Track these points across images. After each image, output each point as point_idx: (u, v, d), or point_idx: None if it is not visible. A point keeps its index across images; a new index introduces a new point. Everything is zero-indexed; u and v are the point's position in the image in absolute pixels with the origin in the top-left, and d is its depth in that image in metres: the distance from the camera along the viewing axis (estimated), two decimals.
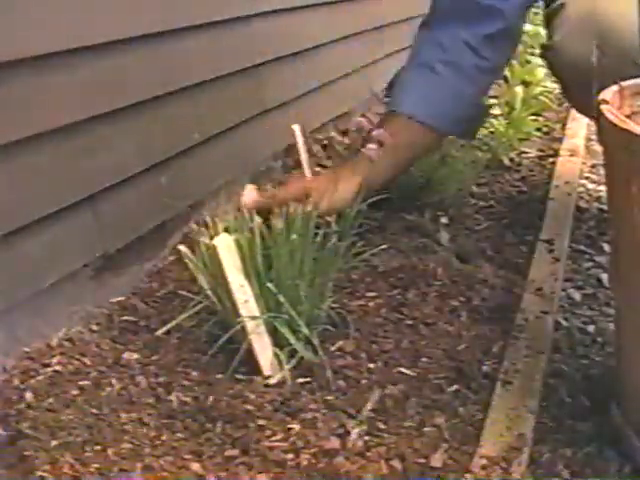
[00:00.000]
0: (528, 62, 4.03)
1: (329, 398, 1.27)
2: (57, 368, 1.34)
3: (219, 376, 1.32)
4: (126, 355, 1.39)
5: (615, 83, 1.15)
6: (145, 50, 1.71)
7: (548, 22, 1.85)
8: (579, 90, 1.74)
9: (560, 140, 2.90)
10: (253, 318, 1.31)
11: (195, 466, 1.11)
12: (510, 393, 1.27)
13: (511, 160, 2.65)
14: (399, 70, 1.95)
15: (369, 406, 1.25)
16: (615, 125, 1.02)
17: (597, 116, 1.10)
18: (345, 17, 2.97)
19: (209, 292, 1.41)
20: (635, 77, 1.20)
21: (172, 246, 1.82)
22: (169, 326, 1.41)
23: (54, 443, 1.14)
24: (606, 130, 1.07)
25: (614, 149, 1.07)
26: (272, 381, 1.31)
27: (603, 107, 1.08)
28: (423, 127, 1.78)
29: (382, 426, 1.21)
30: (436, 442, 1.17)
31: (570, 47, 1.69)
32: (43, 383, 1.30)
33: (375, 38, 3.28)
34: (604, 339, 1.52)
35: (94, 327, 1.49)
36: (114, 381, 1.31)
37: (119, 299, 1.60)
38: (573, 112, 3.29)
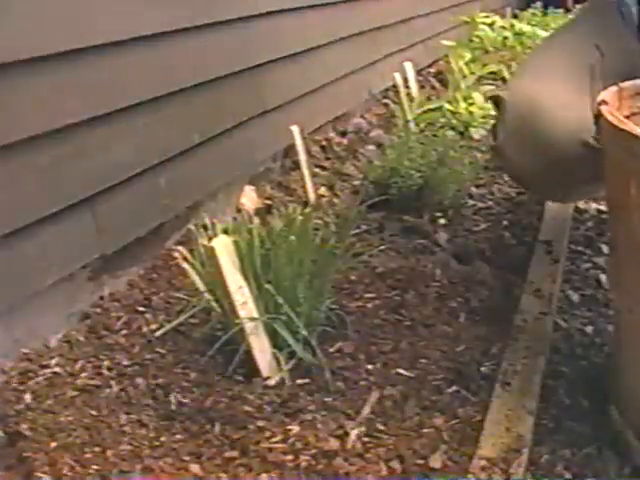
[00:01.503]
0: None
1: (328, 399, 1.27)
2: (56, 370, 1.34)
3: (218, 377, 1.33)
4: (125, 356, 1.39)
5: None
6: (144, 51, 1.70)
7: (495, 107, 1.81)
8: (530, 184, 1.79)
9: None
10: (252, 319, 1.31)
11: (194, 467, 1.11)
12: (509, 394, 1.27)
13: None
14: None
15: (368, 407, 1.25)
16: (614, 126, 1.02)
17: (596, 117, 1.10)
18: (344, 19, 2.97)
19: (207, 294, 1.41)
20: None
21: (170, 248, 1.82)
22: (168, 327, 1.41)
23: (53, 444, 1.14)
24: (605, 131, 1.07)
25: (613, 149, 1.07)
26: (271, 382, 1.31)
27: (602, 108, 1.08)
28: None
29: (381, 427, 1.21)
30: (435, 443, 1.17)
31: (511, 150, 1.68)
32: (42, 385, 1.30)
33: (373, 39, 3.28)
34: (603, 340, 1.52)
35: (92, 328, 1.49)
36: (113, 382, 1.31)
37: (117, 300, 1.60)
38: None
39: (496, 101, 1.73)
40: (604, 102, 1.10)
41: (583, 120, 1.37)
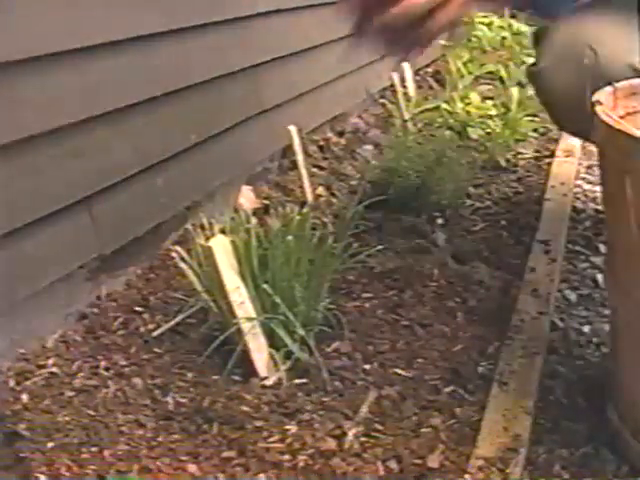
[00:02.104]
0: (524, 62, 4.03)
1: (325, 399, 1.27)
2: (53, 370, 1.35)
3: (215, 377, 1.33)
4: (122, 357, 1.39)
5: None
6: (141, 52, 1.71)
7: (535, 43, 1.84)
8: (565, 115, 1.76)
9: (556, 141, 2.91)
10: (249, 319, 1.31)
11: (192, 467, 1.12)
12: (506, 394, 1.27)
13: (507, 161, 2.65)
14: None
15: (365, 407, 1.25)
16: (609, 126, 1.02)
17: (591, 117, 1.10)
18: (342, 18, 2.97)
19: (205, 294, 1.41)
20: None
21: (168, 248, 1.82)
22: (165, 327, 1.42)
23: (50, 444, 1.15)
24: (600, 131, 1.07)
25: (609, 150, 1.08)
26: (268, 382, 1.31)
27: (597, 108, 1.08)
28: None
29: (378, 427, 1.21)
30: (433, 443, 1.17)
31: (555, 75, 1.69)
32: (39, 384, 1.30)
33: None
34: (600, 340, 1.52)
35: (90, 329, 1.49)
36: (110, 382, 1.31)
37: (115, 300, 1.60)
38: None
39: (537, 36, 1.74)
40: (599, 102, 1.10)
41: (631, 47, 1.37)
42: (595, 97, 1.13)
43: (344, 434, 1.18)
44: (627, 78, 1.41)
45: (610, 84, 1.17)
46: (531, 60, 1.82)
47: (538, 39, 1.78)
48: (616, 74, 1.52)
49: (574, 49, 1.61)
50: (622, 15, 1.54)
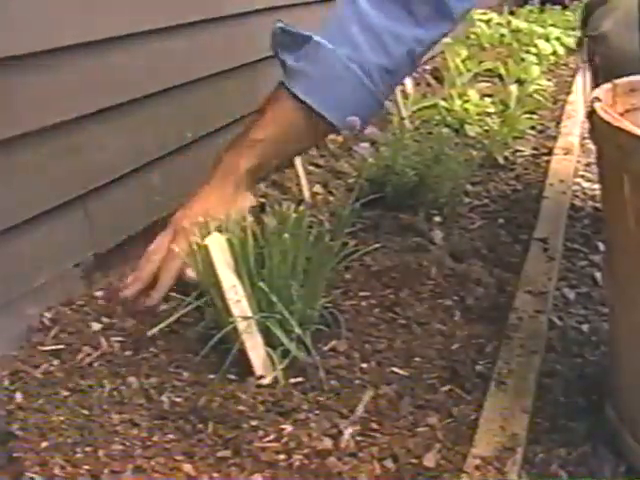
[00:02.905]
0: (523, 60, 4.04)
1: (322, 398, 1.27)
2: (47, 369, 1.34)
3: (211, 376, 1.32)
4: (117, 356, 1.39)
5: None
6: (137, 48, 1.70)
7: (588, 13, 1.84)
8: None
9: (555, 138, 2.91)
10: (245, 318, 1.31)
11: (187, 467, 1.11)
12: (504, 393, 1.27)
13: (505, 158, 2.65)
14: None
15: (362, 406, 1.25)
16: (608, 123, 1.02)
17: (589, 114, 1.10)
18: None
19: (201, 292, 1.41)
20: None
21: None
22: (161, 326, 1.41)
23: (44, 444, 1.14)
24: (599, 128, 1.06)
25: (607, 147, 1.07)
26: (264, 381, 1.30)
27: (596, 105, 1.08)
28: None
29: (375, 426, 1.21)
30: (429, 442, 1.17)
31: (618, 37, 1.71)
32: (33, 384, 1.29)
33: None
34: (598, 338, 1.52)
35: (85, 328, 1.48)
36: (105, 382, 1.31)
37: (110, 299, 1.59)
38: (568, 110, 3.30)
39: (591, 5, 1.78)
40: (597, 99, 1.10)
41: None
42: (594, 94, 1.13)
43: (340, 433, 1.18)
44: None
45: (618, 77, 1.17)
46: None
47: (592, 10, 1.79)
48: None
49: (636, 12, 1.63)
50: None
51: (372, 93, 1.63)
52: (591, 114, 1.08)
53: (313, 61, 1.60)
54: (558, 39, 4.85)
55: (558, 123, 3.15)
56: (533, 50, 4.41)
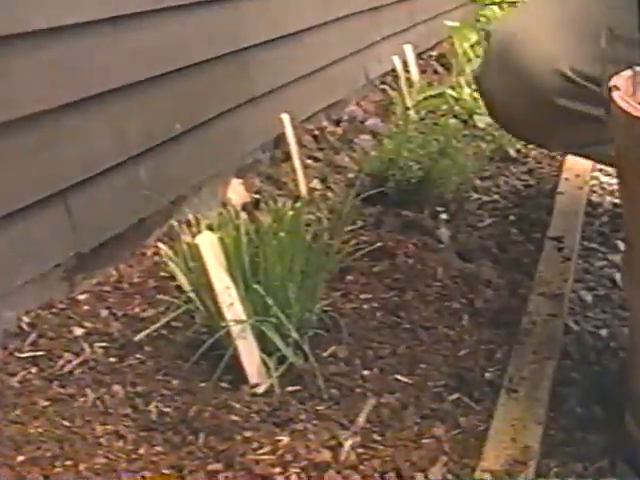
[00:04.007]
0: None
1: (320, 408, 1.27)
2: (25, 377, 1.34)
3: (202, 385, 1.33)
4: (101, 363, 1.39)
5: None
6: (123, 32, 1.71)
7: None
8: (501, 117, 1.86)
9: None
10: (239, 322, 1.31)
11: None
12: (515, 402, 1.27)
13: (517, 151, 2.65)
14: None
15: (363, 416, 1.25)
16: (627, 113, 1.02)
17: (607, 104, 1.10)
18: None
19: (191, 294, 1.41)
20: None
21: (152, 245, 1.82)
22: (148, 331, 1.42)
23: (20, 458, 1.14)
24: (618, 118, 1.07)
25: (626, 139, 1.08)
26: (259, 390, 1.31)
27: (615, 94, 1.08)
28: None
29: (377, 437, 1.21)
30: (435, 455, 1.17)
31: (488, 81, 1.77)
32: (9, 393, 1.29)
33: (371, 20, 3.29)
34: (618, 344, 1.52)
35: (66, 333, 1.49)
36: (88, 391, 1.31)
37: (93, 302, 1.60)
38: None
39: (486, 35, 1.82)
40: (616, 87, 1.10)
41: (564, 48, 1.37)
42: (612, 82, 1.13)
43: (340, 445, 1.18)
44: (556, 85, 1.44)
45: (624, 69, 1.17)
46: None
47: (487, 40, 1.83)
48: (544, 80, 1.56)
49: (507, 49, 1.65)
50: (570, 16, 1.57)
51: None
52: (608, 104, 1.09)
53: None
54: None
55: None
56: None
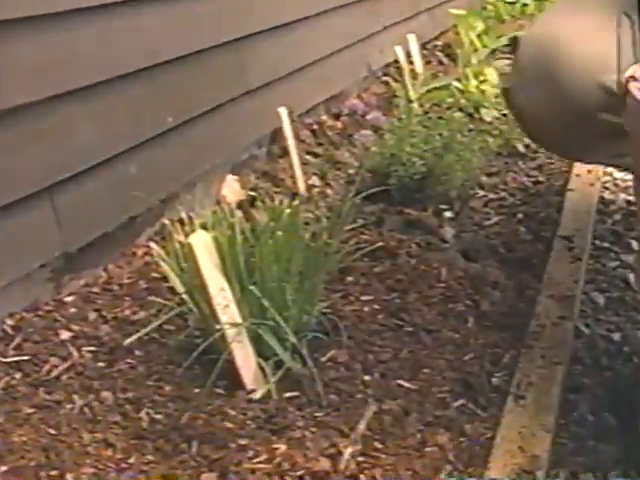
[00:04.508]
0: None
1: (319, 414, 1.28)
2: (9, 382, 1.34)
3: (196, 390, 1.33)
4: (89, 368, 1.39)
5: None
6: (110, 22, 1.70)
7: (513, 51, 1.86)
8: (538, 137, 1.83)
9: None
10: (234, 325, 1.31)
11: None
12: (523, 409, 1.27)
13: (526, 146, 2.65)
14: None
15: (364, 423, 1.25)
16: None
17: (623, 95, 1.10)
18: None
19: (184, 296, 1.41)
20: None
21: (142, 245, 1.82)
22: (139, 334, 1.42)
23: (3, 468, 1.14)
24: (633, 110, 1.07)
25: None
26: (255, 396, 1.31)
27: (631, 85, 1.08)
28: None
29: (378, 446, 1.21)
30: (439, 464, 1.17)
31: (521, 95, 1.72)
32: None
33: (372, 9, 3.29)
34: (631, 348, 1.53)
35: (52, 336, 1.49)
36: (75, 397, 1.31)
37: (81, 304, 1.60)
38: None
39: (515, 43, 1.76)
40: (633, 78, 1.10)
41: (605, 58, 1.36)
42: (628, 72, 1.13)
43: (339, 453, 1.18)
44: (599, 100, 1.41)
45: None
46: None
47: (515, 47, 1.80)
48: (588, 97, 1.54)
49: (541, 60, 1.63)
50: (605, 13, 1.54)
51: None
52: (624, 95, 1.08)
53: None
54: None
55: None
56: None
